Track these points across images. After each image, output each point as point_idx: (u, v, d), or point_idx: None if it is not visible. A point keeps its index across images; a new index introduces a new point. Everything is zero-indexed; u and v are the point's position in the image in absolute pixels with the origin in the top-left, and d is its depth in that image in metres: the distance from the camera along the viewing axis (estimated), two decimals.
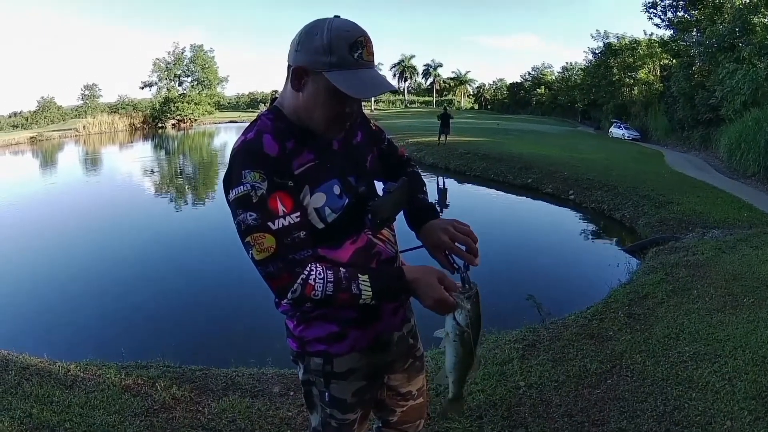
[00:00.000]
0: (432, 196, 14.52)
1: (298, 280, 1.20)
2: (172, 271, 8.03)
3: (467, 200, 14.23)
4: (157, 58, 61.11)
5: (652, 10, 26.31)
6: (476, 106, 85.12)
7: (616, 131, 32.47)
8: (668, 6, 25.54)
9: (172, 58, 60.70)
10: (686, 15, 24.91)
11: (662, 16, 26.30)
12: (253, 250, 1.20)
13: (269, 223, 1.19)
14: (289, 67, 1.27)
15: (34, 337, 5.35)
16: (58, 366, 3.71)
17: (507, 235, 9.86)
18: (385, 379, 1.59)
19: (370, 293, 1.24)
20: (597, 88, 41.67)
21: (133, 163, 25.67)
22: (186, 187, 18.18)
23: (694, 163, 18.21)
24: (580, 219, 11.33)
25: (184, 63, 60.95)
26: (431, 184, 16.65)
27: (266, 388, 3.47)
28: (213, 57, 62.50)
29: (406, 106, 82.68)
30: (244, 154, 1.24)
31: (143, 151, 34.55)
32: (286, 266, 1.20)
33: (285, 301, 1.23)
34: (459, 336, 1.31)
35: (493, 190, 14.66)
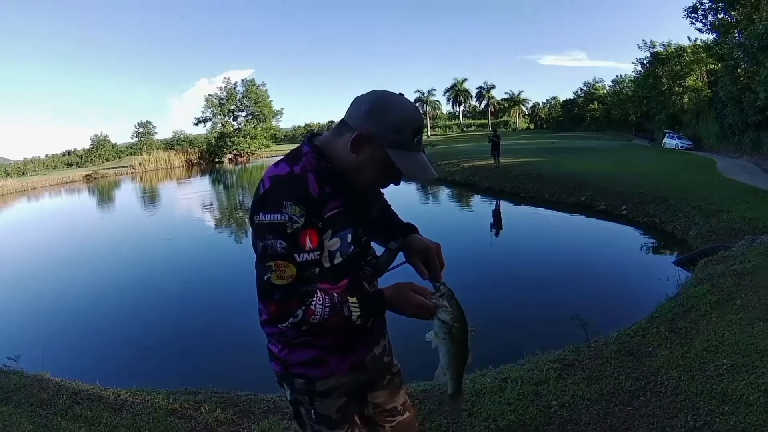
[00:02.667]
0: (489, 218, 14.12)
1: (302, 307, 1.32)
2: (227, 298, 8.31)
3: (521, 222, 14.24)
4: (209, 94, 62.88)
5: (693, 15, 25.93)
6: (531, 126, 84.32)
7: (669, 141, 32.04)
8: (708, 9, 25.03)
9: (225, 94, 62.11)
10: (726, 17, 24.28)
11: (703, 20, 25.91)
12: (273, 274, 1.30)
13: (295, 255, 1.30)
14: (343, 122, 1.41)
15: (88, 367, 5.70)
16: (109, 392, 3.99)
17: (560, 254, 9.84)
18: (369, 398, 1.72)
19: (359, 313, 1.39)
20: (648, 100, 41.06)
21: (190, 198, 26.87)
22: (245, 220, 18.75)
23: (745, 168, 17.53)
24: (632, 234, 11.12)
25: (237, 98, 62.26)
26: (490, 206, 17.12)
27: None
28: (266, 90, 63.45)
29: (462, 130, 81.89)
30: (290, 186, 1.34)
31: (201, 186, 36.03)
32: (297, 295, 1.32)
33: (283, 325, 1.33)
34: (447, 333, 1.43)
35: (548, 210, 14.55)
